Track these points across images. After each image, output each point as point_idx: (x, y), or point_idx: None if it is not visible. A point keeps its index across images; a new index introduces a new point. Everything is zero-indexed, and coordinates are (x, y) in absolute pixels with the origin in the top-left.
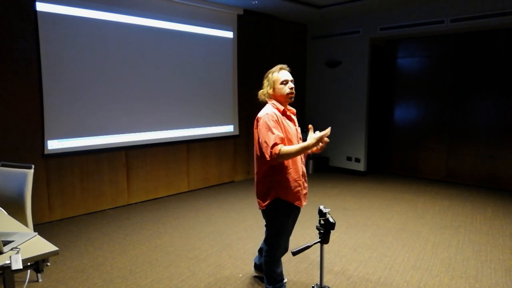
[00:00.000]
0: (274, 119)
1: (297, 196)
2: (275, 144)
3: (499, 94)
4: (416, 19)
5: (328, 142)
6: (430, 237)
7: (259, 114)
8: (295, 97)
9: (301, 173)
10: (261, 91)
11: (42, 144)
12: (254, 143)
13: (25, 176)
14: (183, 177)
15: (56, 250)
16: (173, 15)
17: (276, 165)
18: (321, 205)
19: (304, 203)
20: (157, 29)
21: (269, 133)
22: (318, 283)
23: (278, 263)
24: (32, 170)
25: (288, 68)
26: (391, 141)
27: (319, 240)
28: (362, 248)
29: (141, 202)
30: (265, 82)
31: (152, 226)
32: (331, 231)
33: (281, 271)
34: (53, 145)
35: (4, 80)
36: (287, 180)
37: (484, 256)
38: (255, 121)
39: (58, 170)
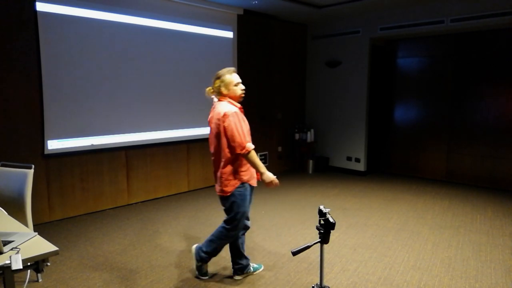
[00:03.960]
0: (242, 117)
1: (253, 178)
2: (248, 142)
3: (499, 94)
4: (416, 19)
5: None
6: (430, 237)
7: (225, 110)
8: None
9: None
10: (208, 88)
11: (42, 144)
12: (221, 137)
13: (25, 176)
14: (183, 177)
15: (56, 250)
16: (173, 15)
17: (238, 156)
18: (321, 205)
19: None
20: (157, 29)
21: (242, 130)
22: (318, 283)
23: (227, 242)
24: (32, 170)
25: (236, 70)
26: (391, 141)
27: (319, 240)
28: (362, 248)
29: (141, 202)
30: (218, 82)
31: (152, 226)
32: (331, 231)
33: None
34: (53, 145)
35: (4, 80)
36: (246, 165)
37: (484, 256)
38: (222, 116)
39: (58, 170)
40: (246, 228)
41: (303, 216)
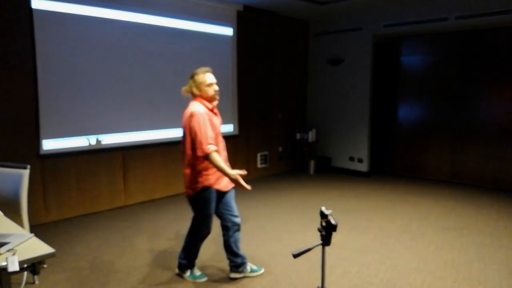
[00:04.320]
0: (208, 118)
1: (220, 181)
2: (209, 144)
3: (505, 93)
4: (420, 16)
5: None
6: (433, 239)
7: (192, 110)
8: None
9: (224, 159)
10: (184, 88)
11: (38, 144)
12: (186, 136)
13: (21, 176)
14: (181, 177)
15: (53, 252)
16: (171, 12)
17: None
18: (323, 206)
19: (230, 186)
20: (154, 26)
21: (205, 131)
22: (320, 286)
23: (198, 245)
24: (28, 170)
25: (211, 70)
26: (394, 141)
27: (321, 242)
28: (365, 250)
29: (138, 203)
30: (191, 82)
31: (149, 227)
32: (333, 233)
33: (197, 252)
34: (49, 145)
35: None
36: (212, 169)
37: (487, 258)
38: (189, 116)
39: (54, 170)
40: (236, 224)
41: (305, 217)
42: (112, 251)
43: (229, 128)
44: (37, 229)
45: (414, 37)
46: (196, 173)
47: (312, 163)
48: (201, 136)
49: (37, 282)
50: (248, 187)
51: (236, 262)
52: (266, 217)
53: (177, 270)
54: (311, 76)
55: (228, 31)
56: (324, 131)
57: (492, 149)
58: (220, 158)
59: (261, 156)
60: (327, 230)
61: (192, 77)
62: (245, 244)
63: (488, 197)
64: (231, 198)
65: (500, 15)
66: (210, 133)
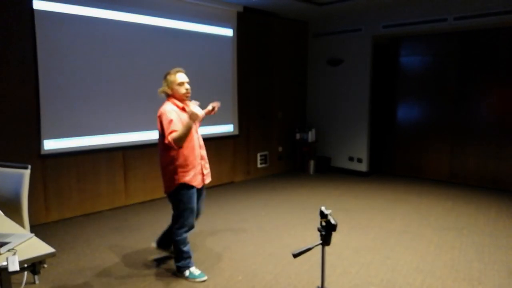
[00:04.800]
0: (173, 115)
1: (196, 178)
2: (171, 132)
3: (504, 94)
4: (419, 17)
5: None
6: (433, 239)
7: (160, 110)
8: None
9: (199, 158)
10: (160, 89)
11: (39, 144)
12: (159, 134)
13: (21, 176)
14: None
15: (53, 252)
16: (172, 13)
17: (177, 153)
18: (323, 206)
19: (207, 180)
20: (155, 27)
21: (168, 125)
22: (320, 286)
23: (185, 241)
24: (28, 171)
25: (184, 71)
26: (393, 141)
27: (321, 242)
28: (364, 250)
29: (139, 203)
30: (164, 82)
31: (150, 227)
32: (333, 232)
33: (188, 249)
34: (50, 145)
35: (0, 79)
36: (187, 166)
37: (487, 258)
38: (158, 115)
39: (54, 170)
40: (196, 216)
41: (304, 217)
42: (112, 251)
43: (229, 128)
44: (37, 229)
45: (413, 37)
46: (173, 170)
47: (312, 163)
48: (167, 129)
49: (37, 282)
50: (205, 110)
51: (166, 242)
52: (266, 217)
53: (178, 273)
54: (311, 76)
55: (228, 32)
56: (324, 131)
57: (492, 149)
58: (178, 131)
59: (261, 156)
60: (327, 230)
61: (165, 77)
62: (245, 244)
63: (488, 197)
64: (201, 200)
65: (499, 15)
66: (173, 127)
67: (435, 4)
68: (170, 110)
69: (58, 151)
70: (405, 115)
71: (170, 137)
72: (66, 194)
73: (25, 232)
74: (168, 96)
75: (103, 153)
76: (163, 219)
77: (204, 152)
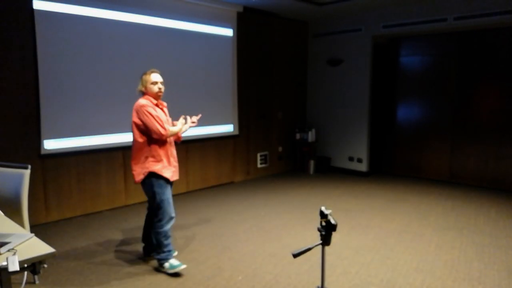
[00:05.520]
0: (152, 108)
1: (167, 171)
2: (163, 128)
3: (503, 93)
4: (419, 17)
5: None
6: (433, 239)
7: (138, 103)
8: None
9: (169, 154)
10: (138, 87)
11: (39, 144)
12: (133, 129)
13: (21, 176)
14: (181, 177)
15: (53, 252)
16: (172, 13)
17: (151, 145)
18: (323, 206)
19: (174, 177)
20: (155, 27)
21: (155, 118)
22: (320, 286)
23: (166, 234)
24: (28, 171)
25: (159, 71)
26: (393, 141)
27: (321, 242)
28: (364, 250)
29: (139, 203)
30: (140, 81)
31: None
32: (333, 232)
33: (169, 242)
34: (50, 145)
35: (0, 79)
36: (158, 157)
37: (487, 258)
38: (136, 108)
39: (54, 170)
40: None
41: (304, 217)
42: (112, 251)
43: (229, 128)
44: (37, 229)
45: (413, 37)
46: (144, 160)
47: (311, 163)
48: (153, 123)
49: (37, 282)
50: (189, 123)
51: (149, 247)
52: (266, 217)
53: (160, 268)
54: (311, 76)
55: (228, 32)
56: (323, 131)
57: (491, 149)
58: (174, 128)
59: (261, 156)
60: (327, 230)
61: (141, 76)
62: (245, 244)
63: (488, 197)
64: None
65: (499, 15)
66: (162, 119)
67: (435, 4)
68: (150, 105)
69: (58, 151)
70: (405, 115)
71: (168, 130)
72: (66, 194)
73: (25, 232)
74: (143, 94)
75: (103, 153)
76: None
77: (174, 151)
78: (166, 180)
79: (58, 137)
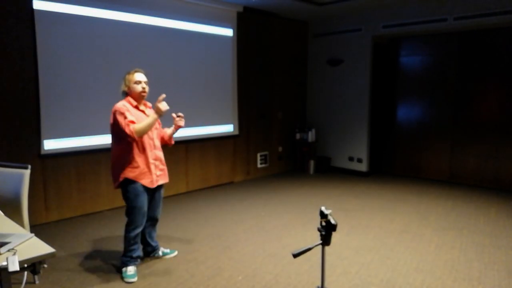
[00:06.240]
0: (125, 109)
1: (144, 177)
2: (130, 122)
3: (503, 94)
4: (419, 17)
5: (166, 109)
6: (433, 239)
7: (114, 107)
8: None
9: (153, 158)
10: (121, 87)
11: (39, 144)
12: (111, 130)
13: (21, 176)
14: (181, 177)
15: (53, 252)
16: (171, 13)
17: (128, 150)
18: (323, 206)
19: (161, 181)
20: (155, 27)
21: (123, 117)
22: (320, 286)
23: (130, 240)
24: (28, 171)
25: (143, 71)
26: (393, 141)
27: (321, 242)
28: (364, 250)
29: None
30: (123, 81)
31: None
32: (333, 232)
33: (136, 248)
34: (50, 145)
35: (0, 79)
36: (135, 163)
37: (487, 258)
38: (112, 114)
39: (54, 170)
40: (153, 219)
41: (304, 217)
42: (112, 251)
43: (229, 128)
44: (37, 229)
45: (413, 37)
46: (121, 166)
47: (311, 163)
48: (122, 123)
49: (37, 282)
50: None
51: (146, 249)
52: (266, 217)
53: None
54: (311, 76)
55: (228, 32)
56: (323, 131)
57: (491, 149)
58: (142, 123)
59: (261, 156)
60: (327, 230)
61: (124, 76)
62: (245, 244)
63: (488, 197)
64: (159, 199)
65: (499, 15)
66: (130, 117)
67: (435, 4)
68: (121, 106)
69: (58, 151)
70: (405, 115)
71: (131, 127)
72: (66, 194)
73: (25, 232)
74: (126, 95)
75: (103, 153)
76: (163, 219)
77: (160, 154)
78: (144, 187)
79: (58, 137)
